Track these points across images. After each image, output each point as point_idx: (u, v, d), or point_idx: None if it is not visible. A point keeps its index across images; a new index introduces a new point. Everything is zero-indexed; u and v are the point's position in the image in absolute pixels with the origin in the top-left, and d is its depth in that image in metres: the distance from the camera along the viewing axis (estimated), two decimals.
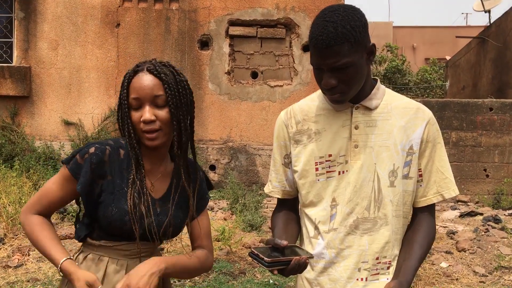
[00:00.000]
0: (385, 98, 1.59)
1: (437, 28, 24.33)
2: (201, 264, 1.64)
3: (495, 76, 11.22)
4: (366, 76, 1.51)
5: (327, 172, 1.56)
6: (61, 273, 1.47)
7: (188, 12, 7.82)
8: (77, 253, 1.60)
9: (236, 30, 7.84)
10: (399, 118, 1.57)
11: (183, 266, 1.57)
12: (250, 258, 1.55)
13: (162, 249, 4.52)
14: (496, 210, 6.74)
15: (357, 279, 1.53)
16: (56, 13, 7.85)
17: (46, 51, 7.88)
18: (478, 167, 7.77)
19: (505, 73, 10.66)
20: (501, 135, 7.70)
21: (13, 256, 4.33)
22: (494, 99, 8.04)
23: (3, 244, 4.58)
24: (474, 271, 4.36)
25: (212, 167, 7.75)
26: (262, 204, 6.25)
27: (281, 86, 7.81)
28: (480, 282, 4.18)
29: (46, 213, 1.58)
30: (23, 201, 4.93)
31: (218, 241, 4.66)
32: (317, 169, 1.57)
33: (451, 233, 5.33)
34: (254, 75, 7.94)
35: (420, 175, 1.59)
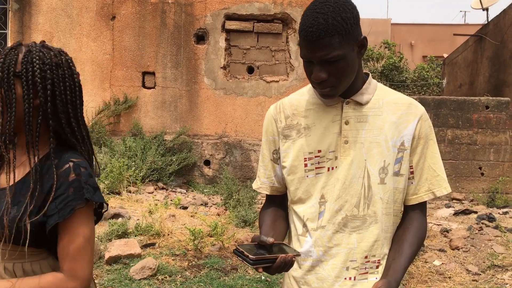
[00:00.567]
0: (377, 93, 1.56)
1: (435, 25, 24.30)
2: None
3: (492, 74, 11.19)
4: (357, 70, 1.48)
5: (316, 168, 1.53)
6: None
7: (184, 5, 7.75)
8: None
9: (232, 25, 7.78)
10: (390, 114, 1.53)
11: None
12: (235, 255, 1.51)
13: (154, 243, 4.48)
14: (491, 209, 6.73)
15: (345, 278, 1.50)
16: (51, 5, 7.77)
17: None
18: (473, 165, 7.76)
19: (502, 71, 10.64)
20: (496, 133, 7.68)
21: None
22: (490, 97, 8.01)
23: None
24: (467, 270, 4.34)
25: (207, 162, 7.71)
26: (256, 200, 6.22)
27: (277, 81, 7.77)
28: (473, 280, 4.17)
29: None
30: None
31: (211, 236, 4.63)
32: (306, 165, 1.54)
33: (445, 231, 5.31)
34: (250, 70, 7.89)
35: (412, 172, 1.55)
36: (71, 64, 1.45)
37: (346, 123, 1.51)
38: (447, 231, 5.30)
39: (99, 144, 7.31)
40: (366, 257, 1.50)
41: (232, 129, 7.79)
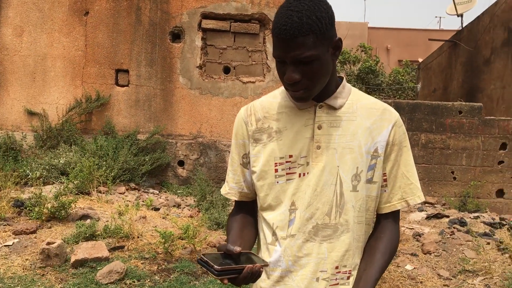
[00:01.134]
0: (351, 97, 1.51)
1: (411, 30, 24.65)
2: None
3: (466, 79, 11.38)
4: (331, 73, 1.42)
5: (287, 173, 1.47)
6: None
7: (160, 3, 7.62)
8: None
9: (209, 24, 7.68)
10: (364, 119, 1.48)
11: None
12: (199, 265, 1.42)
13: (123, 246, 4.36)
14: (462, 213, 6.80)
15: None
16: None
17: (10, 38, 7.56)
18: (446, 169, 7.84)
19: (476, 77, 10.82)
20: (469, 138, 7.79)
21: None
22: (464, 103, 8.12)
23: None
24: (438, 274, 4.35)
25: (181, 163, 7.59)
26: (229, 202, 6.13)
27: (253, 82, 7.70)
28: (444, 285, 4.17)
29: None
30: None
31: (182, 239, 4.53)
32: (276, 170, 1.48)
33: (417, 235, 5.33)
34: (227, 70, 7.81)
35: (385, 180, 1.51)
36: None
37: (319, 127, 1.46)
38: (420, 235, 5.32)
39: (69, 143, 7.11)
40: (337, 267, 1.44)
41: (207, 130, 7.69)
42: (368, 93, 16.50)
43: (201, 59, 7.71)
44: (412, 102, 8.15)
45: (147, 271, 3.96)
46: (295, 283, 1.45)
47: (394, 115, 1.51)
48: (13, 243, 4.30)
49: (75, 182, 5.85)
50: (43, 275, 3.79)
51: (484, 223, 5.81)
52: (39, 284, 3.64)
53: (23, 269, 3.87)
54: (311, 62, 1.32)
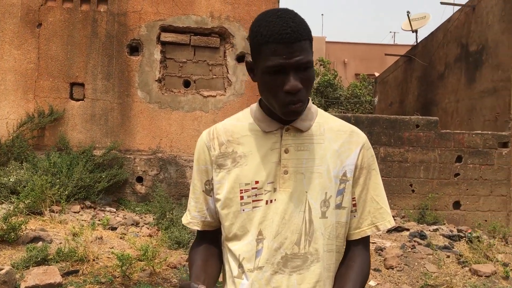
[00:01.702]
0: (317, 119, 1.45)
1: (367, 45, 25.27)
2: None
3: (421, 93, 11.70)
4: None
5: (253, 201, 1.38)
6: None
7: (117, 15, 7.43)
8: None
9: (168, 37, 7.55)
10: (332, 142, 1.42)
11: None
12: None
13: (77, 271, 4.13)
14: (421, 225, 6.90)
15: None
16: None
17: None
18: (404, 182, 7.97)
19: (430, 91, 11.14)
20: (426, 151, 7.95)
21: None
22: (421, 117, 8.30)
23: None
24: None
25: (139, 179, 7.37)
26: None
27: (214, 96, 7.61)
28: None
29: None
30: None
31: (141, 261, 4.34)
32: (242, 198, 1.38)
33: (379, 250, 5.34)
34: (187, 84, 7.68)
35: (354, 205, 1.45)
36: None
37: (286, 151, 1.38)
38: (382, 250, 5.34)
39: (20, 160, 6.77)
40: None
41: (167, 145, 7.52)
42: (327, 107, 16.74)
43: (160, 73, 7.56)
44: (371, 116, 8.27)
45: None
46: None
47: (362, 137, 1.47)
48: None
49: (26, 202, 5.54)
50: None
51: (443, 235, 5.91)
52: None
53: None
54: (308, 69, 1.26)
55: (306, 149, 1.39)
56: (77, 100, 7.41)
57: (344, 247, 1.47)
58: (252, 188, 1.37)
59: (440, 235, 5.96)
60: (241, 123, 1.44)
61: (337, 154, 1.41)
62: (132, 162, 7.35)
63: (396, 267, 4.79)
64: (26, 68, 7.27)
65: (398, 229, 6.31)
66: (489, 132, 8.08)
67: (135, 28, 7.46)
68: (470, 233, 6.10)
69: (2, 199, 6.00)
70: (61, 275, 3.93)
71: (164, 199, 6.28)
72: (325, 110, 12.59)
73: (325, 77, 17.34)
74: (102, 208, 6.66)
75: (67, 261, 4.26)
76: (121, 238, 5.27)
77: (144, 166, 7.38)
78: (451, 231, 6.39)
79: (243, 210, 1.38)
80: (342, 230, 1.42)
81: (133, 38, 7.47)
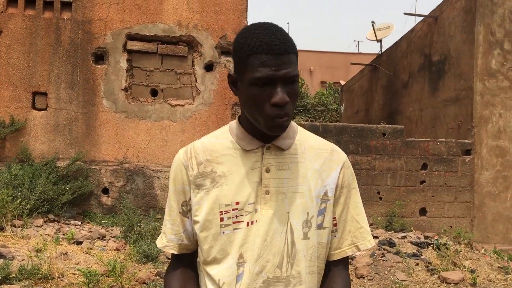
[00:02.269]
0: (298, 137, 1.42)
1: (332, 53, 25.65)
2: None
3: (386, 102, 11.91)
4: None
5: (234, 222, 1.33)
6: None
7: (82, 23, 7.25)
8: None
9: (135, 45, 7.42)
10: (313, 161, 1.40)
11: None
12: None
13: None
14: (389, 232, 6.99)
15: None
16: None
17: None
18: (372, 189, 8.06)
19: (395, 100, 11.36)
20: (393, 159, 8.08)
21: None
22: (387, 125, 8.44)
23: None
24: None
25: (105, 191, 7.17)
26: (159, 232, 5.85)
27: (182, 105, 7.50)
28: None
29: None
30: None
31: (108, 277, 4.20)
32: (222, 219, 1.34)
33: (350, 259, 5.36)
34: (154, 93, 7.55)
35: (335, 225, 1.43)
36: None
37: (267, 170, 1.34)
38: (352, 258, 5.36)
39: None
40: None
41: (134, 155, 7.36)
42: (295, 115, 16.85)
43: (127, 82, 7.41)
44: (339, 125, 8.34)
45: None
46: None
47: (342, 156, 1.46)
48: None
49: None
50: None
51: (412, 243, 5.99)
52: None
53: None
54: (295, 82, 1.24)
55: (288, 168, 1.36)
56: (40, 109, 7.17)
57: (324, 268, 1.44)
58: (233, 209, 1.33)
59: (408, 242, 6.04)
60: (220, 141, 1.40)
61: (318, 173, 1.39)
62: (98, 173, 7.15)
63: (366, 276, 4.81)
64: None
65: None
66: (453, 140, 8.28)
67: (100, 36, 7.29)
68: (437, 239, 6.21)
69: None
70: None
71: (132, 211, 6.13)
72: (292, 118, 12.61)
73: None
74: (67, 222, 6.44)
75: (31, 279, 4.08)
76: (87, 253, 5.10)
77: (110, 177, 7.20)
78: (419, 238, 6.49)
79: (223, 232, 1.33)
80: (323, 251, 1.40)
81: (98, 46, 7.30)
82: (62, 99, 7.19)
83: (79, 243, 5.51)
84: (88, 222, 6.66)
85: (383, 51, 12.53)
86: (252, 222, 1.32)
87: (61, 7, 7.22)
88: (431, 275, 4.83)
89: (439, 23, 9.51)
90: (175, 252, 1.43)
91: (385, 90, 12.03)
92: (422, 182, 8.10)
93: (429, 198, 8.12)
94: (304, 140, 1.42)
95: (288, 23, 56.68)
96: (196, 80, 7.57)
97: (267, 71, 1.19)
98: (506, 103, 8.38)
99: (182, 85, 7.59)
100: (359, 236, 1.46)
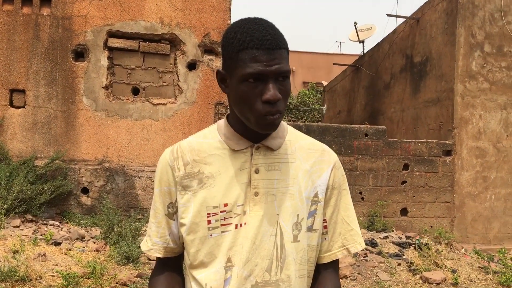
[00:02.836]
0: (288, 137, 1.38)
1: (314, 54, 25.74)
2: None
3: (368, 102, 11.99)
4: None
5: (222, 225, 1.29)
6: None
7: (62, 19, 7.10)
8: None
9: (116, 42, 7.30)
10: (303, 161, 1.36)
11: None
12: None
13: None
14: (371, 232, 7.02)
15: None
16: None
17: None
18: (354, 190, 8.08)
19: (377, 100, 11.44)
20: (375, 159, 8.12)
21: None
22: (369, 126, 8.48)
23: None
24: None
25: (85, 190, 7.04)
26: (140, 232, 5.76)
27: (164, 104, 7.41)
28: None
29: None
30: None
31: (88, 278, 4.11)
32: (209, 222, 1.29)
33: None
34: (135, 91, 7.44)
35: (325, 227, 1.40)
36: None
37: (256, 171, 1.30)
38: None
39: None
40: None
41: (115, 154, 7.24)
42: None
43: (108, 80, 7.28)
44: (322, 125, 8.35)
45: None
46: None
47: (333, 156, 1.43)
48: None
49: None
50: None
51: (393, 243, 6.01)
52: None
53: None
54: (287, 79, 1.20)
55: (277, 168, 1.32)
56: (18, 107, 7.00)
57: (313, 271, 1.41)
58: (221, 212, 1.29)
59: (390, 242, 6.07)
60: (208, 140, 1.35)
61: (308, 174, 1.35)
62: (77, 173, 7.02)
63: (349, 276, 4.81)
64: None
65: None
66: (434, 141, 8.36)
67: (80, 33, 7.16)
68: (418, 239, 6.25)
69: None
70: None
71: (112, 211, 6.02)
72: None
73: None
74: (45, 222, 6.30)
75: (7, 281, 3.96)
76: (66, 254, 4.98)
77: (90, 177, 7.07)
78: (400, 238, 6.52)
79: (211, 235, 1.28)
80: (313, 254, 1.36)
81: (79, 43, 7.16)
82: (41, 96, 7.03)
83: (57, 244, 5.39)
84: (67, 223, 6.53)
85: (365, 52, 12.60)
86: (241, 225, 1.28)
87: (40, 3, 7.06)
88: (413, 275, 4.86)
89: (421, 25, 9.60)
90: (160, 256, 1.38)
91: (367, 91, 12.10)
92: (404, 182, 8.16)
93: (410, 198, 8.18)
94: (294, 140, 1.39)
95: None
96: (178, 78, 7.49)
97: (259, 67, 1.15)
98: (486, 104, 8.50)
99: (164, 84, 7.50)
100: (350, 239, 1.43)
